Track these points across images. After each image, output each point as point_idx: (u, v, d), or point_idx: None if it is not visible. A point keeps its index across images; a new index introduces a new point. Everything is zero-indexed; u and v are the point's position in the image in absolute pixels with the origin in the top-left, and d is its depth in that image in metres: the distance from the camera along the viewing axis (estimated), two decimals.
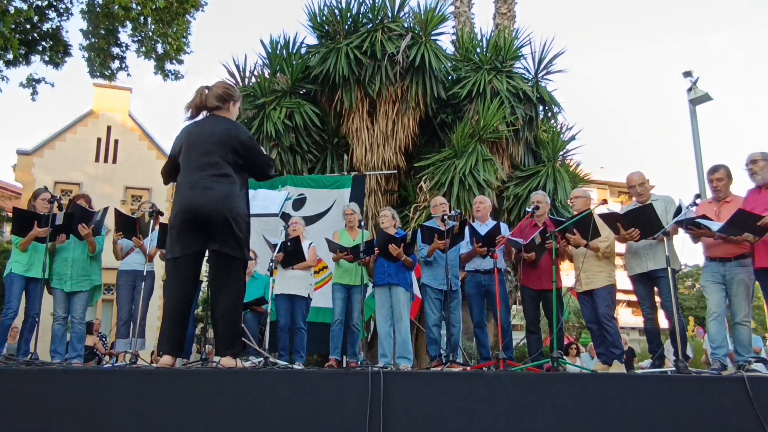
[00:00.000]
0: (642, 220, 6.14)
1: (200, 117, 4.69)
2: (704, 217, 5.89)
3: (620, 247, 6.81)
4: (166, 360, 4.21)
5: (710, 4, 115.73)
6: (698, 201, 6.19)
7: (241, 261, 4.44)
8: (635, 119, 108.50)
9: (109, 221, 7.41)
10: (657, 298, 6.58)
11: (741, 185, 6.23)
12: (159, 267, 7.41)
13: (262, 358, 5.77)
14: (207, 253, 4.52)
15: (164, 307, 4.51)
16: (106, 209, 7.19)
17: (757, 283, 5.89)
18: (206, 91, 4.65)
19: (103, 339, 13.10)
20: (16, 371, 3.98)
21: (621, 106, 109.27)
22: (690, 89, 12.81)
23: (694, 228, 5.90)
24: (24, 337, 6.89)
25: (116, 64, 11.39)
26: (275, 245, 7.43)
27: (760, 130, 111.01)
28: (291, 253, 7.40)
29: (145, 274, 7.07)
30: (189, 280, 4.43)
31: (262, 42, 12.33)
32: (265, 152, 4.67)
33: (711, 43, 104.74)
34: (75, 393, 3.48)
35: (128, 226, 7.24)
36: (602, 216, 6.60)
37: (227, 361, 4.15)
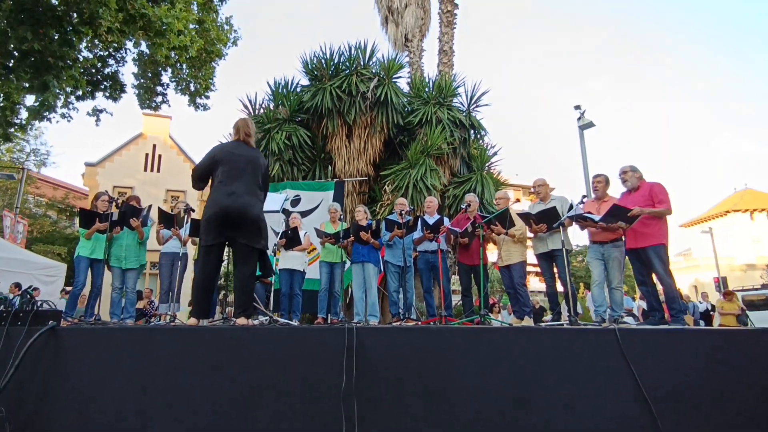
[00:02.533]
0: (548, 218, 6.24)
1: (233, 142, 4.75)
2: (589, 212, 5.98)
3: (530, 233, 6.88)
4: (192, 321, 4.37)
5: (594, 54, 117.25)
6: (584, 200, 6.29)
7: (259, 251, 4.48)
8: (541, 138, 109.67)
9: (154, 215, 7.42)
10: (555, 271, 6.66)
11: (617, 189, 6.32)
12: (191, 249, 7.34)
13: (268, 317, 5.77)
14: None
15: (195, 282, 4.46)
16: (150, 207, 7.22)
17: (627, 258, 6.00)
18: (248, 123, 4.78)
19: (152, 303, 12.96)
20: (85, 329, 3.93)
21: (531, 128, 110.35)
22: (579, 118, 13.00)
23: (581, 220, 5.99)
24: (90, 303, 6.85)
25: (159, 98, 11.28)
26: (279, 233, 7.56)
27: (628, 148, 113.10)
28: (291, 239, 7.62)
29: (180, 255, 7.15)
30: (215, 262, 4.44)
31: (267, 83, 12.37)
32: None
33: (593, 85, 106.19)
34: (128, 345, 3.44)
35: (168, 219, 7.28)
36: (519, 215, 6.71)
37: (242, 321, 4.22)
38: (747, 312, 14.40)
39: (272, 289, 7.79)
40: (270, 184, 10.62)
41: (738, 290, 17.41)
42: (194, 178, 4.65)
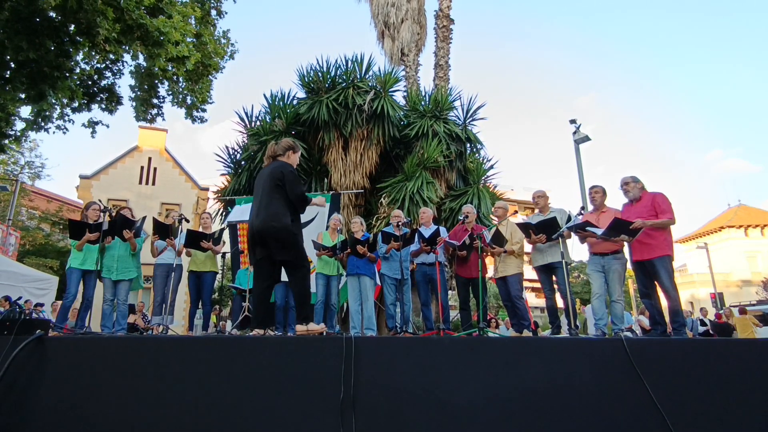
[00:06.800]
0: (547, 228, 6.18)
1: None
2: (588, 223, 5.92)
3: (528, 246, 6.81)
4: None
5: (588, 69, 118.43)
6: (582, 212, 6.25)
7: (291, 263, 4.61)
8: (536, 153, 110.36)
9: (148, 228, 7.30)
10: (555, 285, 6.59)
11: (616, 200, 6.29)
12: (185, 261, 7.24)
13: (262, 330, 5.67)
14: None
15: (253, 296, 4.82)
16: (144, 218, 7.07)
17: (629, 270, 5.93)
18: (275, 144, 4.96)
19: (145, 317, 12.78)
20: (73, 338, 3.82)
21: (526, 144, 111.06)
22: (575, 132, 12.99)
23: (581, 231, 5.93)
24: (80, 315, 6.70)
25: (155, 111, 11.21)
26: None
27: (620, 162, 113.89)
28: None
29: (174, 266, 7.02)
30: (263, 276, 4.63)
31: (264, 96, 12.33)
32: (298, 186, 4.71)
33: (581, 102, 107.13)
34: (117, 355, 3.33)
35: (163, 230, 7.15)
36: (519, 225, 6.65)
37: (300, 328, 4.39)
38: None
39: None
40: None
41: (735, 306, 17.37)
42: None
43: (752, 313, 16.18)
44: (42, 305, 11.05)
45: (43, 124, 9.59)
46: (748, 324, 12.65)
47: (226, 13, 11.05)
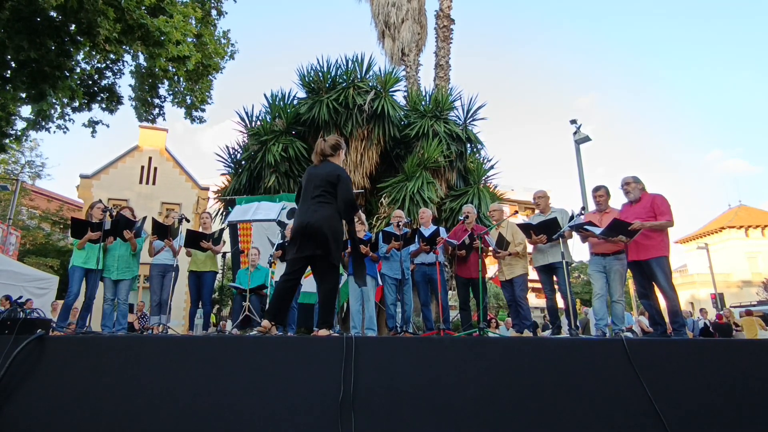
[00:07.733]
0: (548, 229, 6.19)
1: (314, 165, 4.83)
2: (590, 223, 5.92)
3: (529, 247, 6.81)
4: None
5: (584, 73, 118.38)
6: (584, 212, 6.25)
7: (333, 266, 4.52)
8: (537, 153, 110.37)
9: (148, 227, 7.32)
10: (556, 285, 6.58)
11: (617, 200, 6.28)
12: (184, 261, 7.25)
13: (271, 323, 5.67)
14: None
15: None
16: (144, 218, 7.09)
17: (629, 270, 5.92)
18: (324, 143, 4.82)
19: (144, 316, 12.78)
20: (74, 338, 3.82)
21: (526, 144, 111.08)
22: (575, 132, 12.99)
23: (582, 231, 5.93)
24: (81, 314, 6.70)
25: (156, 111, 11.20)
26: (275, 244, 7.41)
27: (620, 163, 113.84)
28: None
29: (170, 266, 7.16)
30: (291, 274, 4.52)
31: (264, 95, 12.34)
32: (350, 191, 4.63)
33: (581, 102, 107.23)
34: (118, 354, 3.34)
35: (162, 230, 7.16)
36: (519, 225, 6.67)
37: (323, 332, 4.25)
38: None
39: (267, 302, 7.65)
40: (266, 195, 10.61)
41: (735, 306, 17.38)
42: (295, 199, 4.93)
43: (753, 314, 16.17)
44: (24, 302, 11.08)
45: (43, 123, 9.58)
46: (753, 325, 12.69)
47: (226, 13, 11.05)
